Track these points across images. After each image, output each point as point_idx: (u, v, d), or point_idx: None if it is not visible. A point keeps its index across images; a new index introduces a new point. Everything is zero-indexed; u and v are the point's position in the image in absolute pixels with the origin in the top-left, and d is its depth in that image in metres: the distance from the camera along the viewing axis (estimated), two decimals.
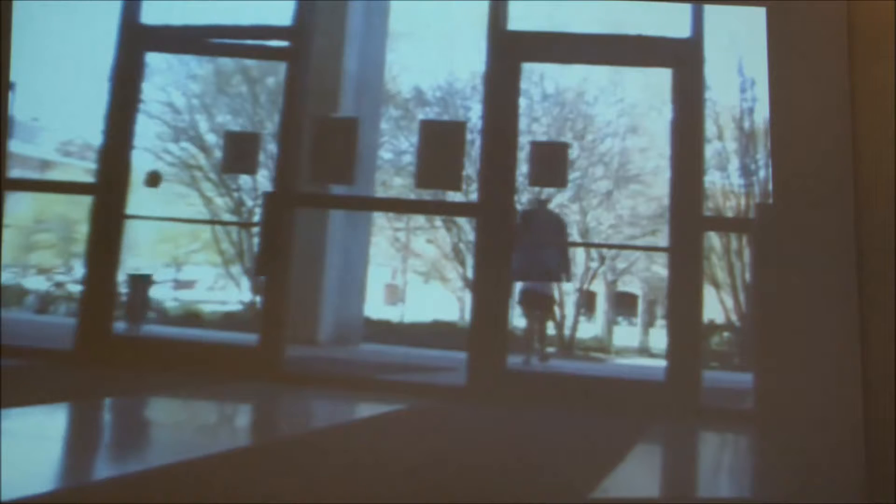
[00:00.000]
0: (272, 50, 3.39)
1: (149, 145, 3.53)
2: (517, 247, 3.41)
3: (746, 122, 3.46)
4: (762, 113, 3.34)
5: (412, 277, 3.89)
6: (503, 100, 3.20)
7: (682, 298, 3.05)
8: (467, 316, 3.46)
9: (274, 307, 3.15)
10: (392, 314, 3.84)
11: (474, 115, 3.55)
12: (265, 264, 3.12)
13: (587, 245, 3.68)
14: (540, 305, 3.49)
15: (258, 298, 3.59)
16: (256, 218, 3.63)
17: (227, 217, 3.63)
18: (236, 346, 3.23)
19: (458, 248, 3.71)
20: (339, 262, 3.53)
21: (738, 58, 3.39)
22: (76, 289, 3.49)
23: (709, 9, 3.11)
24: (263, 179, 3.51)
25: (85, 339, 3.08)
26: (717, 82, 3.34)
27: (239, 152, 3.38)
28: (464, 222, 3.65)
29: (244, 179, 3.59)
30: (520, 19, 3.29)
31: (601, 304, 3.82)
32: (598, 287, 3.78)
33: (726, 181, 3.48)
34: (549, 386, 3.10)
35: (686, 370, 2.98)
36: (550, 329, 3.76)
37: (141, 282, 3.33)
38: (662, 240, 3.44)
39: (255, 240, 3.63)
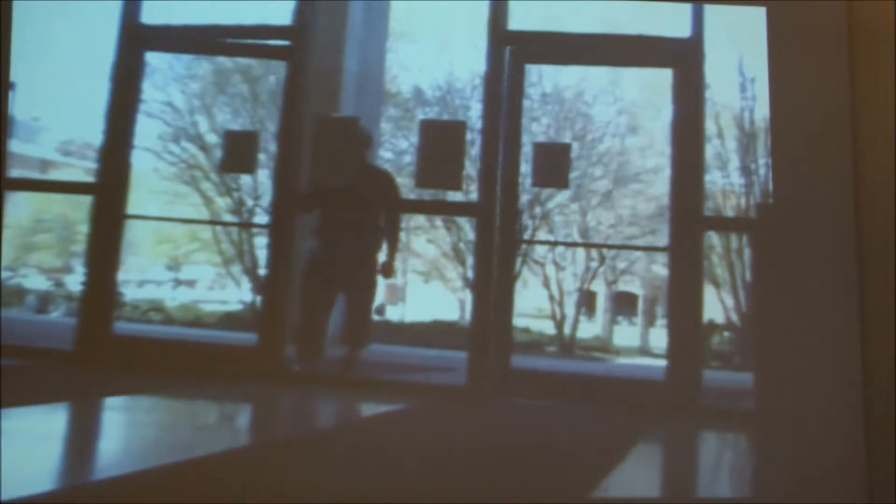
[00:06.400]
0: (272, 49, 3.40)
1: (149, 145, 3.53)
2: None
3: (746, 121, 3.46)
4: (762, 112, 3.34)
5: (412, 277, 3.89)
6: (503, 100, 3.21)
7: (682, 298, 3.05)
8: (467, 316, 3.46)
9: (274, 307, 3.15)
10: (392, 314, 3.84)
11: (474, 114, 3.55)
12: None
13: (587, 245, 3.68)
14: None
15: (259, 298, 3.59)
16: (256, 218, 3.63)
17: (227, 217, 3.63)
18: (236, 346, 3.23)
19: (459, 248, 3.71)
20: None
21: (738, 58, 3.39)
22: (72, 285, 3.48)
23: (709, 9, 3.11)
24: (265, 179, 3.50)
25: (85, 339, 3.09)
26: (717, 82, 3.33)
27: (238, 151, 3.38)
28: (464, 222, 3.65)
29: (245, 179, 3.59)
30: (519, 19, 3.29)
31: (601, 304, 3.82)
32: (598, 287, 3.78)
33: (726, 181, 3.48)
34: (549, 386, 3.10)
35: (686, 370, 2.98)
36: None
37: None
38: (662, 239, 3.44)
39: (255, 240, 3.63)
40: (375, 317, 3.67)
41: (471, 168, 3.33)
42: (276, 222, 3.24)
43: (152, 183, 3.56)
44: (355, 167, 3.30)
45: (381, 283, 3.78)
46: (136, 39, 3.28)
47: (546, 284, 3.66)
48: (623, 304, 3.84)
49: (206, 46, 3.52)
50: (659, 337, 3.65)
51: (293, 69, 3.29)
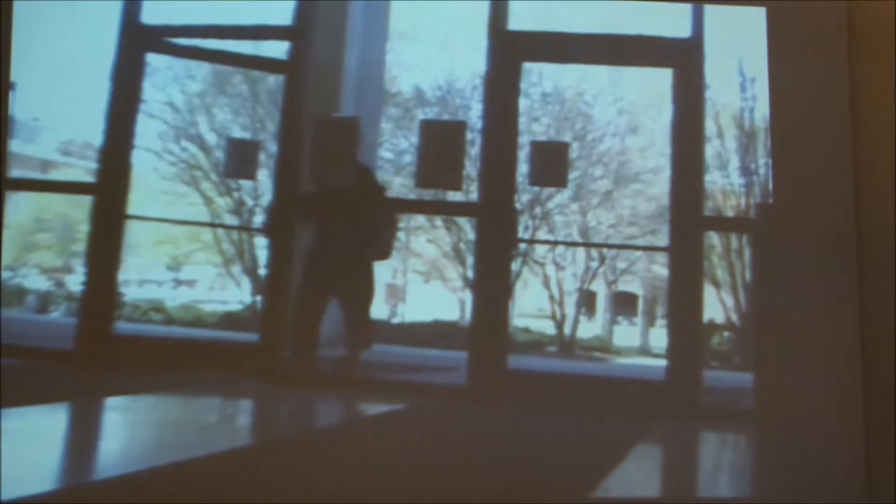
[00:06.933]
0: (273, 62, 3.42)
1: (149, 145, 3.53)
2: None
3: (746, 121, 3.46)
4: (762, 112, 3.34)
5: (412, 277, 3.89)
6: (503, 100, 3.21)
7: (682, 298, 3.05)
8: (467, 316, 3.46)
9: (274, 307, 3.15)
10: (392, 313, 3.84)
11: (474, 114, 3.55)
12: None
13: (587, 245, 3.68)
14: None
15: (259, 298, 3.59)
16: (257, 218, 3.63)
17: (227, 216, 3.63)
18: (237, 346, 3.23)
19: (459, 248, 3.71)
20: None
21: (739, 58, 3.39)
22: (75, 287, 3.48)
23: (709, 9, 3.11)
24: (265, 180, 3.50)
25: (85, 339, 3.08)
26: (717, 82, 3.33)
27: (241, 158, 3.40)
28: (464, 222, 3.65)
29: (245, 180, 3.59)
30: (520, 19, 3.30)
31: (601, 304, 3.82)
32: (599, 287, 3.78)
33: (726, 181, 3.48)
34: (549, 386, 3.10)
35: (686, 370, 2.98)
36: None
37: None
38: (662, 239, 3.44)
39: (256, 240, 3.63)
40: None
41: (471, 168, 3.33)
42: (274, 223, 3.24)
43: (152, 183, 3.56)
44: (351, 167, 3.31)
45: (382, 282, 3.78)
46: (136, 39, 3.28)
47: (546, 284, 3.66)
48: (623, 304, 3.84)
49: (206, 54, 3.52)
50: (659, 337, 3.65)
51: (293, 69, 3.29)
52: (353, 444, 2.29)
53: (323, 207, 3.28)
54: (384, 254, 3.38)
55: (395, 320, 3.76)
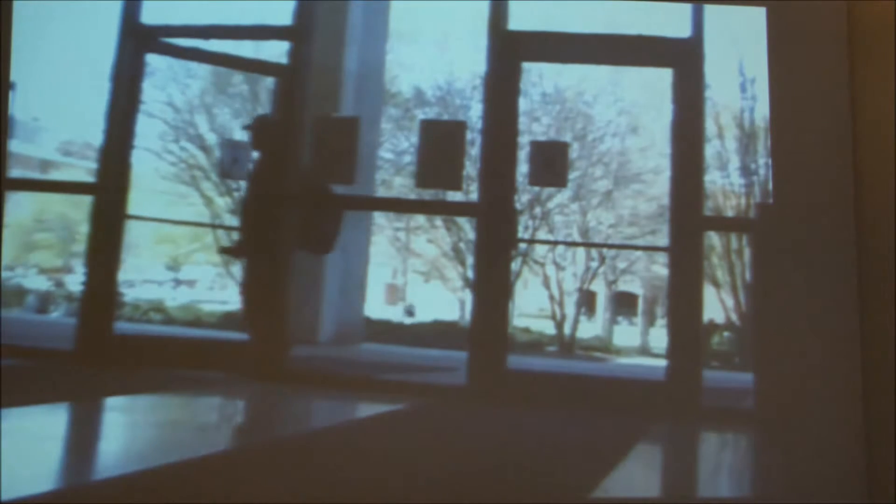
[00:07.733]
0: (270, 65, 3.43)
1: (149, 145, 3.53)
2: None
3: (746, 121, 3.46)
4: (762, 112, 3.34)
5: (412, 277, 3.89)
6: (503, 100, 3.21)
7: (682, 298, 3.05)
8: (467, 316, 3.46)
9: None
10: (392, 314, 3.84)
11: (474, 114, 3.55)
12: None
13: (587, 245, 3.68)
14: None
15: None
16: None
17: (227, 216, 3.63)
18: (236, 346, 3.23)
19: (459, 248, 3.71)
20: (339, 262, 3.53)
21: (739, 58, 3.39)
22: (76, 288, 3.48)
23: (709, 9, 3.11)
24: None
25: (85, 339, 3.09)
26: (717, 82, 3.33)
27: (234, 159, 3.41)
28: (464, 222, 3.65)
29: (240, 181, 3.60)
30: (520, 19, 3.30)
31: (601, 304, 3.82)
32: (599, 287, 3.78)
33: (726, 181, 3.48)
34: (549, 386, 3.10)
35: (686, 370, 2.98)
36: None
37: None
38: (662, 239, 3.44)
39: None
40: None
41: (471, 168, 3.34)
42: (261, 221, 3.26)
43: (152, 183, 3.56)
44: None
45: (382, 282, 3.79)
46: (136, 39, 3.29)
47: (546, 284, 3.66)
48: (623, 304, 3.84)
49: (206, 55, 3.52)
50: (659, 337, 3.65)
51: (293, 69, 3.30)
52: (353, 444, 2.29)
53: (265, 203, 3.29)
54: (325, 248, 3.38)
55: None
